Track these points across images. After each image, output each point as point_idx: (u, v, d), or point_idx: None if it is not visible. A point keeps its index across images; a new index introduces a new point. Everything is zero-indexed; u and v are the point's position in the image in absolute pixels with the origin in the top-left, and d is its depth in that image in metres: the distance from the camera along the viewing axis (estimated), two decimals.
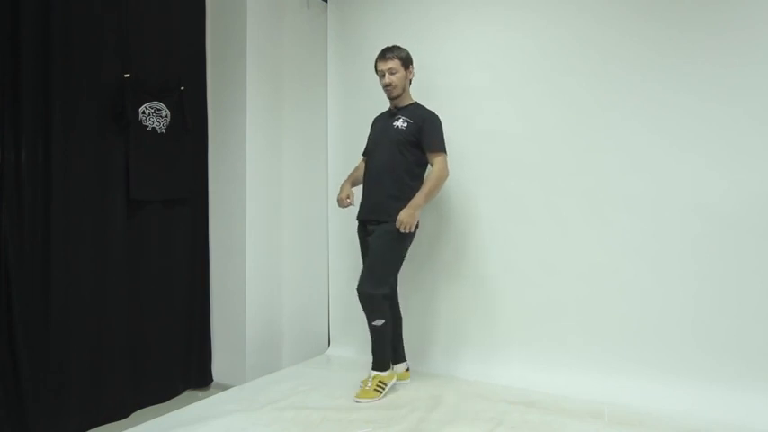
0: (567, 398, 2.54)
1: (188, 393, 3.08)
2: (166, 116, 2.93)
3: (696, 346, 2.48)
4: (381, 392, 2.61)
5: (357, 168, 2.99)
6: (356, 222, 2.86)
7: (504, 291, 2.95)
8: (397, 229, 2.58)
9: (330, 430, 2.24)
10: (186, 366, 3.11)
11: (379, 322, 2.63)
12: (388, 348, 2.71)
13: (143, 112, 2.82)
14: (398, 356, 2.88)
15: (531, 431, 2.22)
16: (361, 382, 2.66)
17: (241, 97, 3.15)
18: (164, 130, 2.92)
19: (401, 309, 2.93)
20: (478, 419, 2.31)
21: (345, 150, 3.42)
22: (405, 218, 2.56)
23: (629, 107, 2.66)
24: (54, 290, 2.44)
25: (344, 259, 3.44)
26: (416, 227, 2.69)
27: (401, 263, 2.74)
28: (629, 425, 2.25)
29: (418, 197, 2.61)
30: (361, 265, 2.75)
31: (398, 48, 2.77)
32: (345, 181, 2.94)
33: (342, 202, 2.84)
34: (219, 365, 3.22)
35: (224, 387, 2.97)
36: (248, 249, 3.15)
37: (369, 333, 2.68)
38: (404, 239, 2.66)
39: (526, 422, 2.29)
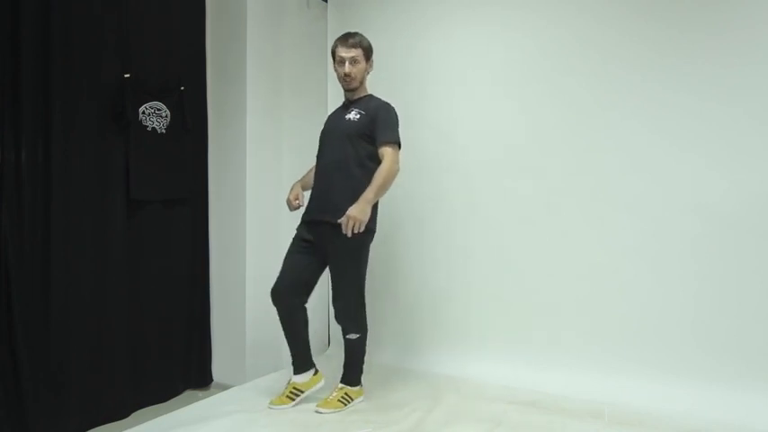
0: (567, 398, 2.54)
1: (188, 393, 3.07)
2: (166, 116, 2.93)
3: (696, 346, 2.49)
4: (346, 405, 2.48)
5: (309, 171, 2.75)
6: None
7: (505, 291, 2.95)
8: (354, 242, 2.36)
9: (330, 430, 2.24)
10: (186, 366, 3.11)
11: (353, 336, 2.52)
12: (361, 363, 2.58)
13: (143, 112, 2.81)
14: (309, 362, 2.62)
15: (531, 431, 2.22)
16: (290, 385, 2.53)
17: (241, 97, 3.15)
18: (164, 130, 2.91)
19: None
20: (478, 419, 2.31)
21: None
22: (355, 213, 2.30)
23: (629, 107, 2.66)
24: (54, 290, 2.43)
25: None
26: (374, 229, 2.54)
27: (366, 268, 2.59)
28: (629, 425, 2.25)
29: (368, 192, 2.36)
30: (278, 266, 2.53)
31: (361, 35, 2.56)
32: (296, 182, 2.75)
33: (290, 204, 2.65)
34: (219, 365, 3.22)
35: (224, 387, 2.97)
36: (248, 249, 3.15)
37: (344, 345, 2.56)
38: (363, 247, 2.51)
39: (526, 422, 2.29)
